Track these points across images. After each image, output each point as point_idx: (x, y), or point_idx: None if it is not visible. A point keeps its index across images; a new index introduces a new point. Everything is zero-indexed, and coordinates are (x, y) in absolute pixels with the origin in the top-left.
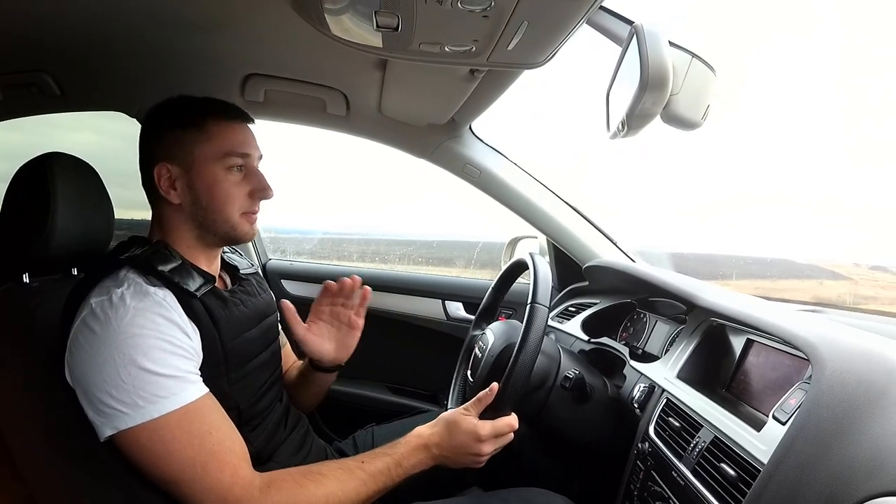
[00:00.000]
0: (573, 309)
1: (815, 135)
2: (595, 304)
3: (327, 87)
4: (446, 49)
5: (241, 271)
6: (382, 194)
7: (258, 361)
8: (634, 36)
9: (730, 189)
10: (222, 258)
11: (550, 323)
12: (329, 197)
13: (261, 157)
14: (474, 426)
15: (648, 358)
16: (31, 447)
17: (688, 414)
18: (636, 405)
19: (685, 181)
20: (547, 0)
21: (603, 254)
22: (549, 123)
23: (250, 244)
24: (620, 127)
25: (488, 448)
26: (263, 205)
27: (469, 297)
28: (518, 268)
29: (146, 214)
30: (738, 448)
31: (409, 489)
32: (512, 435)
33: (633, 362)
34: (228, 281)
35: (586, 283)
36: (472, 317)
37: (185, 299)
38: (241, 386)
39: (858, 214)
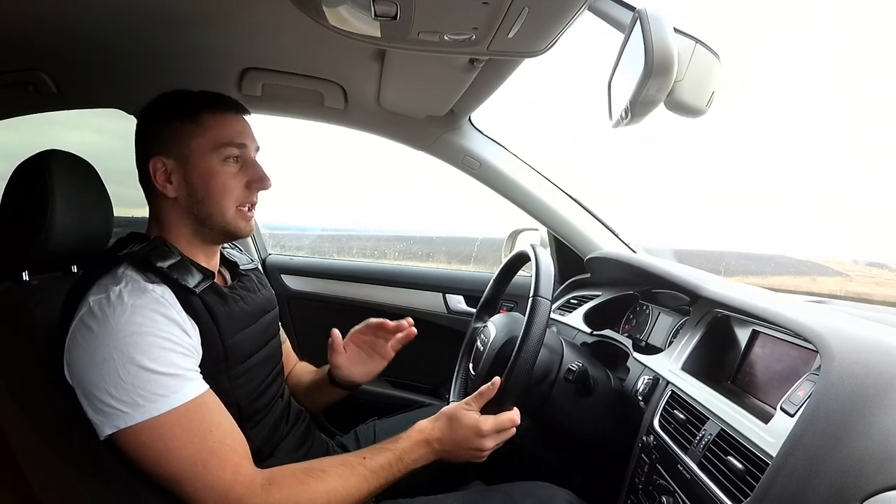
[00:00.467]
0: (575, 301)
1: (815, 135)
2: (597, 296)
3: (325, 81)
4: (445, 38)
5: (240, 267)
6: (369, 185)
7: (258, 358)
8: (638, 21)
9: (730, 189)
10: (222, 254)
11: (552, 315)
12: (318, 189)
13: (258, 148)
14: (476, 421)
15: (652, 350)
16: (31, 446)
17: (693, 406)
18: (640, 398)
19: (687, 172)
20: None
21: (604, 245)
22: (546, 110)
23: (249, 239)
24: (623, 115)
25: (490, 443)
26: (261, 201)
27: (470, 290)
28: (520, 260)
29: (145, 212)
30: (746, 441)
31: (411, 484)
32: (514, 430)
33: (636, 354)
34: (228, 277)
35: (588, 275)
36: (474, 310)
37: (184, 296)
38: (242, 382)
39: (858, 214)
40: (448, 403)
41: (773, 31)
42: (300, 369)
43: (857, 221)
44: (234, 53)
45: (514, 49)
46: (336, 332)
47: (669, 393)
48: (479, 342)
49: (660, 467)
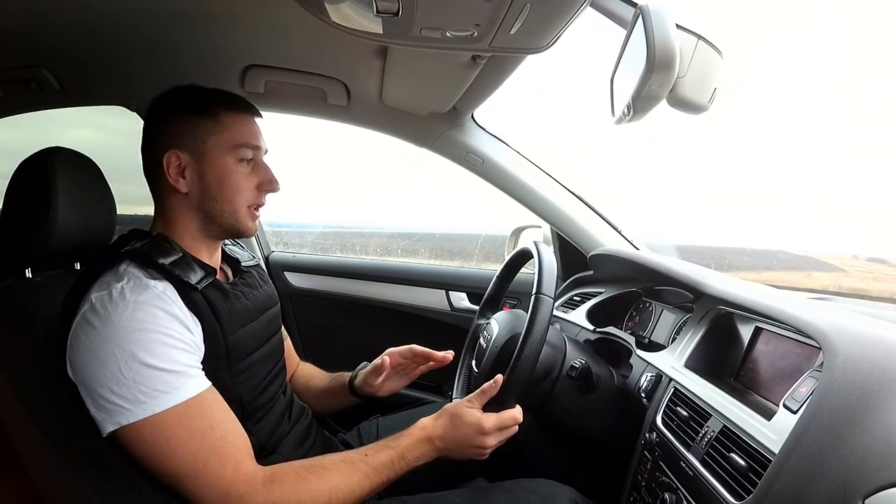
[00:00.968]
0: (578, 298)
1: (815, 135)
2: (600, 293)
3: (328, 77)
4: (447, 34)
5: (242, 264)
6: (372, 185)
7: (260, 354)
8: (640, 17)
9: (731, 188)
10: (223, 251)
11: (555, 313)
12: (322, 189)
13: (266, 151)
14: (478, 419)
15: (655, 347)
16: (34, 443)
17: (696, 403)
18: (643, 395)
19: (690, 170)
20: None
21: (607, 242)
22: (550, 101)
23: (252, 237)
24: (626, 111)
25: (492, 441)
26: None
27: (473, 288)
28: (523, 257)
29: (149, 210)
30: (748, 437)
31: (414, 481)
32: (516, 428)
33: (639, 351)
34: (230, 273)
35: (591, 272)
36: (477, 307)
37: (186, 292)
38: (243, 379)
39: (859, 214)
40: (451, 400)
41: (773, 31)
42: (308, 371)
43: (857, 221)
44: (237, 50)
45: (516, 45)
46: (387, 358)
47: (672, 390)
48: (481, 339)
49: (662, 464)
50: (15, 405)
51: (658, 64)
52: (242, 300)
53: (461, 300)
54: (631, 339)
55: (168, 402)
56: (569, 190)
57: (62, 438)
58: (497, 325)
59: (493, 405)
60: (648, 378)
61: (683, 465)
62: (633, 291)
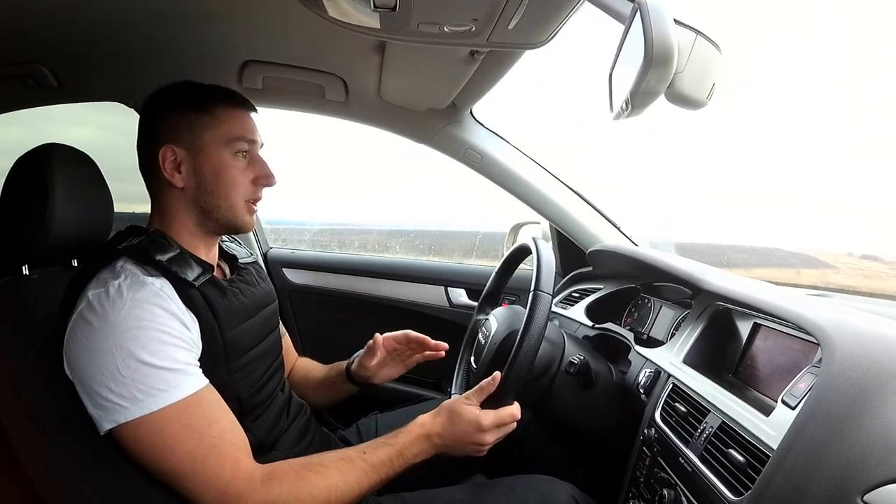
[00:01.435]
0: (577, 294)
1: (817, 133)
2: (599, 289)
3: (326, 73)
4: (445, 29)
5: (239, 260)
6: (373, 181)
7: (258, 351)
8: (638, 12)
9: (733, 187)
10: (220, 247)
11: (554, 309)
12: (322, 185)
13: (262, 145)
14: (476, 416)
15: (653, 343)
16: (32, 441)
17: (694, 399)
18: (642, 391)
19: (691, 168)
20: None
21: (606, 238)
22: (549, 97)
23: (251, 233)
24: (624, 106)
25: (490, 437)
26: (266, 196)
27: (472, 284)
28: (522, 252)
29: (146, 208)
30: (747, 433)
31: (412, 477)
32: (514, 424)
33: (638, 347)
34: (227, 270)
35: (590, 268)
36: (475, 303)
37: (183, 289)
38: (241, 376)
39: (860, 213)
40: (450, 397)
41: (774, 31)
42: (306, 364)
43: (859, 220)
44: (234, 46)
45: (514, 41)
46: (378, 336)
47: (671, 386)
48: (480, 335)
49: (661, 460)
50: (12, 403)
51: (656, 59)
52: (240, 297)
53: (460, 296)
54: (629, 336)
55: (166, 399)
56: (567, 186)
57: (60, 436)
58: (496, 321)
59: (491, 402)
60: (647, 374)
61: (682, 461)
62: (631, 288)
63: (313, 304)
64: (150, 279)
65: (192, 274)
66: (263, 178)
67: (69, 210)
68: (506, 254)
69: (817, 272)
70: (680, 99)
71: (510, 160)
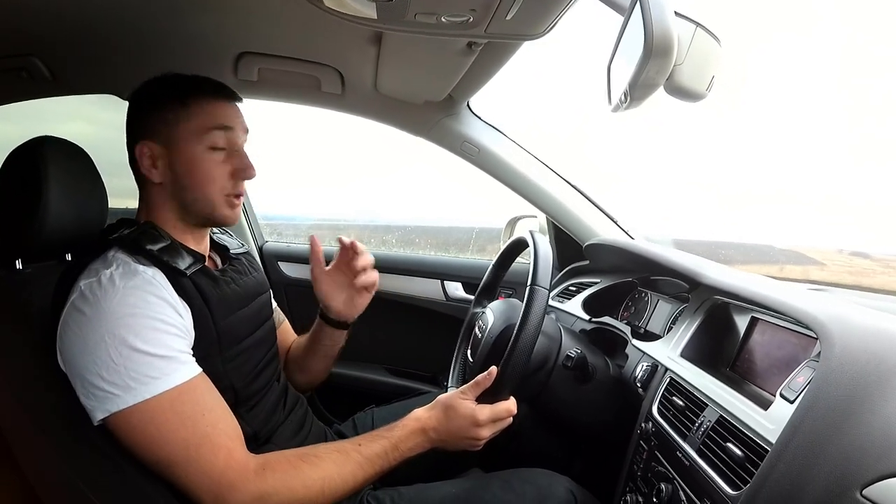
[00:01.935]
0: (574, 288)
1: (817, 133)
2: (596, 283)
3: (322, 65)
4: (443, 20)
5: (231, 251)
6: (358, 168)
7: (252, 340)
8: (637, 3)
9: (733, 187)
10: (212, 238)
11: (551, 303)
12: (307, 173)
13: (246, 131)
14: (472, 410)
15: (650, 337)
16: (26, 435)
17: (692, 393)
18: (639, 384)
19: (691, 167)
20: None
21: (603, 232)
22: (548, 88)
23: (246, 227)
24: (623, 98)
25: (486, 433)
26: (255, 185)
27: (468, 277)
28: (518, 246)
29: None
30: (745, 427)
31: (409, 471)
32: (511, 419)
33: (635, 341)
34: (219, 261)
35: (587, 262)
36: (472, 297)
37: (175, 278)
38: (236, 365)
39: (860, 213)
40: (446, 390)
41: (774, 30)
42: (299, 339)
43: (859, 220)
44: (229, 38)
45: (512, 32)
46: (314, 236)
47: (668, 380)
48: (476, 329)
49: (658, 454)
50: (7, 397)
51: (656, 51)
52: (232, 286)
53: (456, 290)
54: (627, 329)
55: (159, 387)
56: (565, 180)
57: (55, 430)
58: (492, 315)
59: (487, 396)
60: (644, 368)
61: (680, 455)
62: (628, 281)
63: (309, 298)
64: (141, 268)
65: (183, 263)
66: (241, 170)
67: (63, 203)
68: (502, 247)
69: (801, 268)
70: (679, 91)
71: (507, 153)
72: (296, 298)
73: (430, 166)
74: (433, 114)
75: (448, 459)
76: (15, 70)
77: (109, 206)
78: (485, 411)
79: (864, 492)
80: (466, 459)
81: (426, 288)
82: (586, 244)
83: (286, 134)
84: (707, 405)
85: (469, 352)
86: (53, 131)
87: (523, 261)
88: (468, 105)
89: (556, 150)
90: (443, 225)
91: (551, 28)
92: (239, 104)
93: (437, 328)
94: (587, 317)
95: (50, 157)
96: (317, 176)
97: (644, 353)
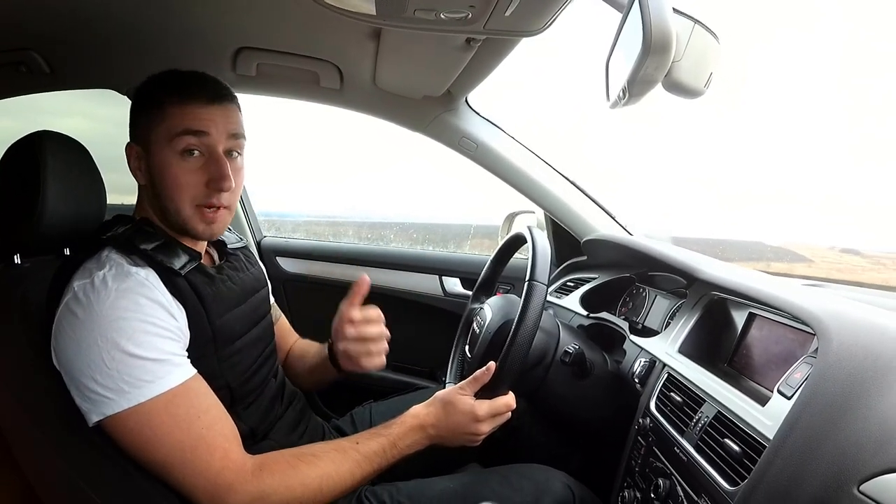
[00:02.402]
0: (572, 284)
1: (818, 133)
2: (594, 278)
3: (320, 60)
4: (441, 16)
5: (228, 246)
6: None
7: (248, 338)
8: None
9: (732, 186)
10: None
11: (549, 298)
12: (303, 168)
13: (236, 135)
14: (471, 406)
15: (648, 333)
16: (23, 431)
17: (690, 389)
18: (637, 380)
19: (691, 153)
20: None
21: (601, 228)
22: (548, 84)
23: (244, 222)
24: (621, 94)
25: (485, 428)
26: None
27: (466, 273)
28: (516, 242)
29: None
30: (743, 423)
31: (407, 467)
32: (509, 414)
33: (633, 337)
34: (215, 256)
35: (585, 257)
36: (470, 292)
37: (169, 278)
38: (231, 364)
39: (861, 213)
40: (444, 386)
41: (776, 28)
42: (305, 347)
43: (858, 219)
44: (228, 33)
45: (510, 28)
46: (364, 276)
47: (666, 375)
48: (475, 325)
49: (656, 450)
50: (6, 394)
51: (654, 47)
52: (228, 284)
53: (454, 285)
54: (624, 325)
55: (152, 391)
56: (563, 175)
57: (54, 428)
58: (490, 311)
59: (485, 392)
60: (642, 363)
61: (677, 451)
62: (626, 277)
63: (307, 293)
64: (134, 269)
65: (178, 262)
66: (214, 181)
67: (61, 198)
68: (500, 243)
69: (787, 265)
70: (677, 87)
71: (505, 149)
72: (294, 293)
73: (428, 162)
74: (431, 109)
75: (446, 454)
76: (14, 64)
77: (110, 202)
78: (484, 406)
79: (861, 487)
80: (464, 455)
81: (424, 283)
82: (584, 240)
83: (283, 129)
84: (705, 401)
85: (467, 347)
86: (50, 126)
87: (521, 256)
88: (466, 101)
89: (555, 146)
90: (440, 221)
91: (549, 24)
92: (230, 105)
93: (435, 324)
94: (585, 312)
95: (48, 151)
96: (315, 172)
97: (642, 348)
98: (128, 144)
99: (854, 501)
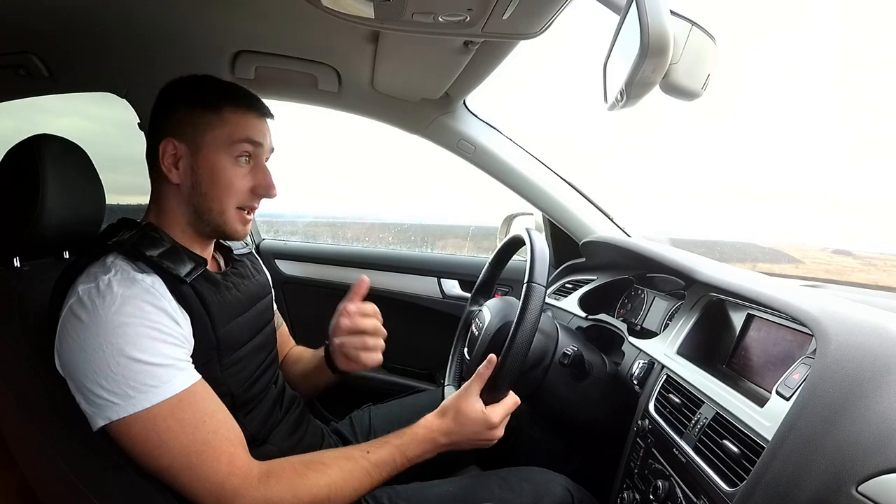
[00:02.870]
0: (570, 286)
1: (814, 132)
2: (592, 280)
3: (319, 63)
4: (440, 19)
5: (234, 252)
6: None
7: (251, 346)
8: (633, 2)
9: (728, 185)
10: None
11: (547, 300)
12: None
13: (272, 151)
14: (484, 414)
15: (647, 334)
16: (23, 434)
17: (688, 390)
18: (635, 381)
19: (691, 166)
20: None
21: (599, 229)
22: (549, 86)
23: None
24: (619, 97)
25: (500, 433)
26: None
27: (465, 275)
28: (515, 243)
29: (136, 199)
30: (741, 424)
31: (407, 470)
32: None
33: (631, 338)
34: (221, 263)
35: (583, 259)
36: (469, 294)
37: (175, 285)
38: (234, 371)
39: (857, 211)
40: (443, 388)
41: (770, 29)
42: (300, 353)
43: (856, 218)
44: (226, 35)
45: (508, 31)
46: (363, 277)
47: (665, 377)
48: (473, 327)
49: (655, 451)
50: (4, 395)
51: (652, 49)
52: (233, 291)
53: (453, 287)
54: (623, 327)
55: (158, 396)
56: (561, 177)
57: (52, 429)
58: (489, 312)
59: (485, 394)
60: (641, 365)
61: (676, 452)
62: (625, 279)
63: (305, 296)
64: (140, 275)
65: (183, 269)
66: (263, 188)
67: (60, 200)
68: (499, 245)
69: (776, 266)
70: (675, 90)
71: (503, 151)
72: (292, 296)
73: (427, 164)
74: (429, 112)
75: (445, 458)
76: (13, 67)
77: (108, 202)
78: (498, 412)
79: (859, 488)
80: (464, 458)
81: (423, 285)
82: (582, 241)
83: (283, 131)
84: (703, 402)
85: (466, 349)
86: (47, 126)
87: (520, 258)
88: (465, 103)
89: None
90: (439, 223)
91: (547, 27)
92: (270, 121)
93: (433, 326)
94: (584, 314)
95: (47, 154)
96: (313, 173)
97: (640, 350)
98: (166, 140)
99: (853, 502)
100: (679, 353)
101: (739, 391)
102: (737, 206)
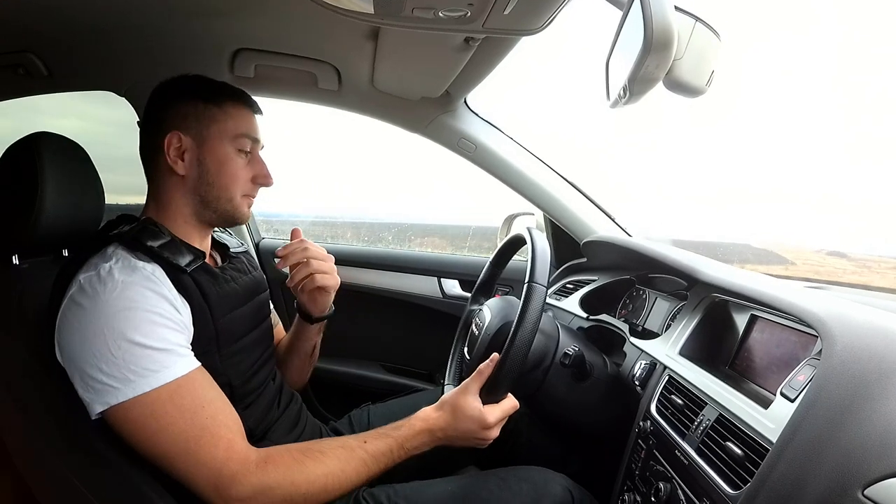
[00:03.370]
0: (571, 286)
1: (814, 132)
2: (593, 280)
3: (318, 61)
4: (440, 14)
5: (231, 250)
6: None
7: (249, 339)
8: None
9: (728, 186)
10: (212, 236)
11: (548, 300)
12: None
13: (262, 146)
14: (480, 413)
15: (649, 335)
16: (20, 431)
17: (691, 391)
18: (637, 382)
19: (690, 167)
20: None
21: (601, 229)
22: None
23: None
24: (622, 93)
25: (496, 433)
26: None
27: (465, 275)
28: (516, 243)
29: (132, 199)
30: (745, 426)
31: (405, 468)
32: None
33: (633, 339)
34: (218, 259)
35: (584, 259)
36: (469, 294)
37: (175, 274)
38: (233, 363)
39: (857, 211)
40: (443, 387)
41: (771, 29)
42: (281, 336)
43: (856, 218)
44: (226, 34)
45: (509, 26)
46: (296, 229)
47: (667, 378)
48: (474, 326)
49: (657, 453)
50: (1, 394)
51: (655, 45)
52: (231, 284)
53: (453, 287)
54: (624, 327)
55: (158, 380)
56: (562, 176)
57: (49, 426)
58: (489, 312)
59: (485, 395)
60: (642, 366)
61: (678, 454)
62: (626, 279)
63: None
64: (141, 264)
65: (183, 260)
66: (262, 177)
67: (59, 199)
68: (499, 244)
69: (765, 267)
70: (678, 86)
71: (504, 150)
72: (291, 295)
73: (426, 163)
74: (430, 110)
75: (444, 457)
76: (11, 66)
77: (106, 202)
78: (495, 412)
79: (865, 491)
80: (462, 457)
81: (423, 285)
82: (584, 241)
83: (283, 130)
84: (706, 404)
85: (466, 349)
86: (45, 126)
87: (521, 258)
88: (465, 101)
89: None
90: (439, 223)
91: (549, 23)
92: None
93: (433, 325)
94: (585, 314)
95: (47, 152)
96: (313, 172)
97: (642, 350)
98: (171, 133)
99: None
100: (681, 354)
101: (743, 392)
102: (737, 206)
